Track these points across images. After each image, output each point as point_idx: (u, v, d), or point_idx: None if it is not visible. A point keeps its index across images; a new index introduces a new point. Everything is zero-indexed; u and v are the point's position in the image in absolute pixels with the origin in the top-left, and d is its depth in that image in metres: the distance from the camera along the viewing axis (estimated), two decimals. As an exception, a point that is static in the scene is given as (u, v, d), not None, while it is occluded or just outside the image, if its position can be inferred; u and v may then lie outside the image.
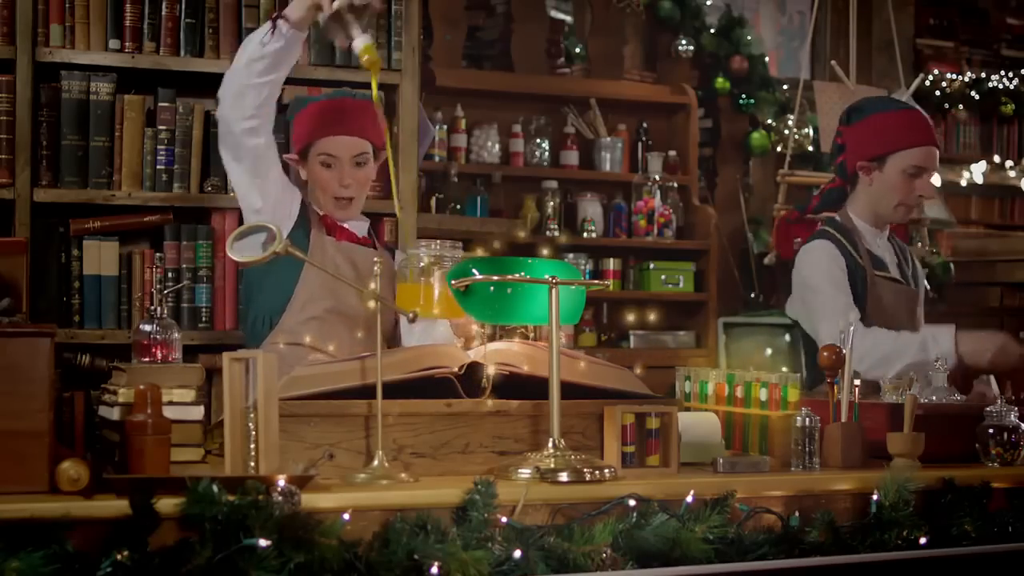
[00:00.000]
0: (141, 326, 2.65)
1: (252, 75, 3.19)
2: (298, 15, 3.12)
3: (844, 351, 2.87)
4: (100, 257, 3.72)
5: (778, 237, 4.13)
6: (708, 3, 7.02)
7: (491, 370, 2.57)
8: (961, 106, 7.90)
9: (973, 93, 7.94)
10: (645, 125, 6.79)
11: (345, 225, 3.48)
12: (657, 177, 6.60)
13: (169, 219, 3.77)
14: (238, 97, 3.23)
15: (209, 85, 3.86)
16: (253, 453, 2.30)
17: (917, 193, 3.71)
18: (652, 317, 6.47)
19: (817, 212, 3.98)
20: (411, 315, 2.84)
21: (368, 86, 3.89)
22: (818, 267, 3.66)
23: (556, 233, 6.36)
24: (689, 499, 2.42)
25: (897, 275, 3.77)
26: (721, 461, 2.65)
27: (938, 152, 3.76)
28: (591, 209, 6.54)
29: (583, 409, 2.65)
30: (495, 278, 2.61)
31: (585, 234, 6.48)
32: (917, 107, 3.96)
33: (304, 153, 3.44)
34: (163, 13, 3.75)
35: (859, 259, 3.68)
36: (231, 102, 3.23)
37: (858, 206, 3.76)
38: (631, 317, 6.30)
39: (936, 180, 3.81)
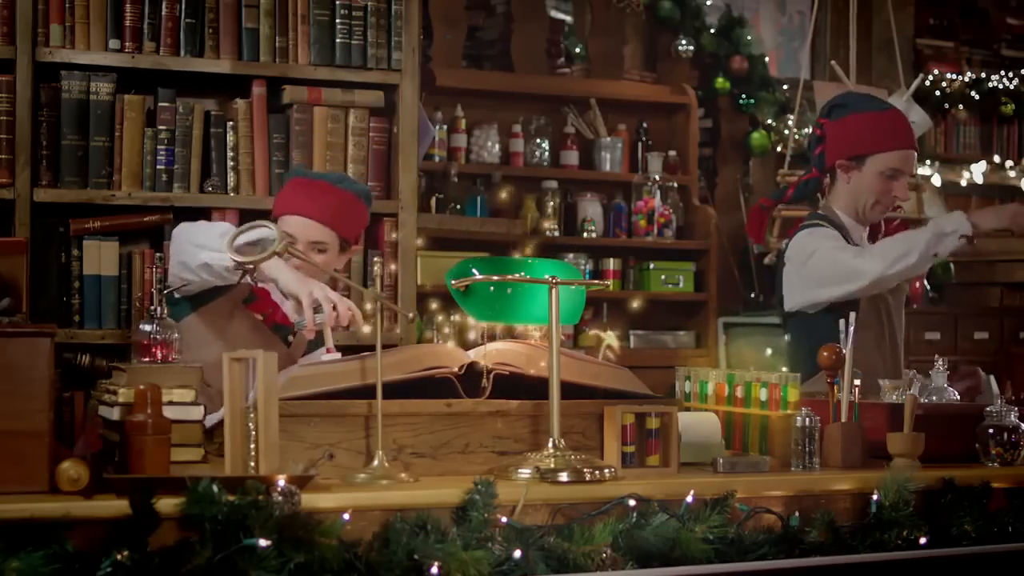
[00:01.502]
0: (141, 326, 2.65)
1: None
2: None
3: (844, 351, 2.87)
4: (100, 257, 3.71)
5: (752, 223, 4.15)
6: (708, 3, 7.02)
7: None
8: (961, 106, 7.89)
9: (973, 93, 7.93)
10: (645, 125, 6.80)
11: None
12: (657, 177, 6.60)
13: (169, 219, 3.77)
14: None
15: (209, 85, 3.87)
16: (253, 453, 2.30)
17: (893, 195, 3.73)
18: (650, 316, 6.48)
19: (793, 201, 4.00)
20: (411, 315, 2.85)
21: (374, 86, 3.90)
22: (819, 239, 3.66)
23: (556, 233, 6.36)
24: (689, 499, 2.42)
25: None
26: (721, 461, 2.65)
27: (916, 155, 3.80)
28: (591, 209, 6.54)
29: (583, 409, 2.65)
30: (495, 278, 2.61)
31: (585, 234, 6.49)
32: (897, 107, 3.96)
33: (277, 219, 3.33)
34: (163, 13, 3.75)
35: None
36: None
37: (840, 202, 3.77)
38: (631, 317, 6.30)
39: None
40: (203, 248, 3.02)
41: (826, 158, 3.79)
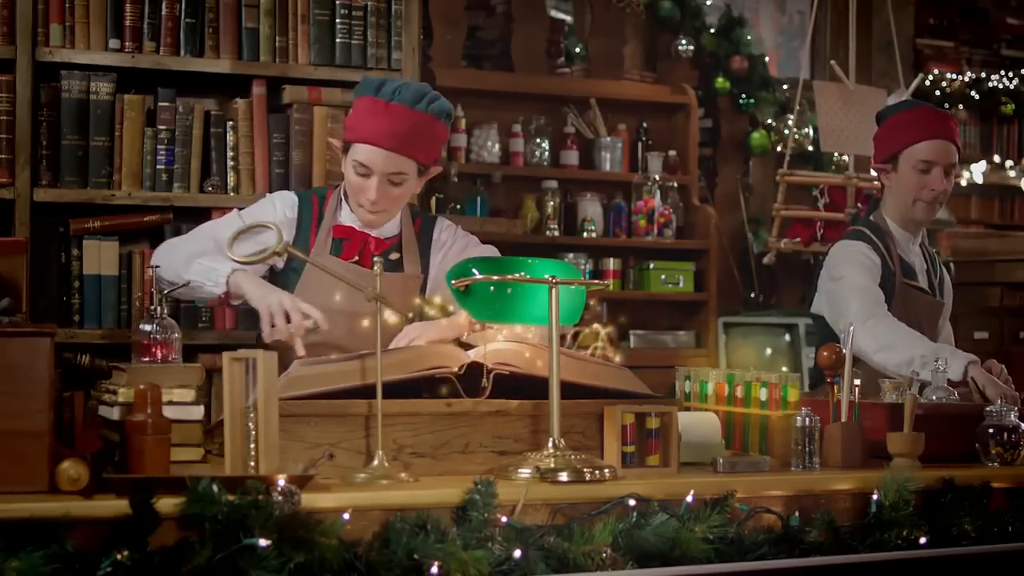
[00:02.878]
0: (141, 326, 2.65)
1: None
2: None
3: (844, 351, 2.87)
4: (100, 257, 3.72)
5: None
6: (708, 3, 7.02)
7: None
8: (961, 106, 7.89)
9: (973, 93, 7.93)
10: (645, 125, 6.79)
11: (367, 232, 3.21)
12: (657, 177, 6.60)
13: (169, 219, 3.77)
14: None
15: (209, 85, 3.87)
16: (253, 453, 2.30)
17: (929, 188, 3.65)
18: (650, 316, 6.48)
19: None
20: (411, 316, 2.85)
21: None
22: (848, 259, 3.62)
23: (556, 233, 6.36)
24: (689, 499, 2.42)
25: (924, 284, 3.73)
26: (721, 461, 2.65)
27: (952, 145, 3.68)
28: (591, 209, 6.54)
29: (583, 409, 2.65)
30: (495, 278, 2.61)
31: (585, 234, 6.48)
32: (930, 105, 3.93)
33: (346, 147, 3.15)
34: (163, 13, 3.75)
35: (891, 263, 3.65)
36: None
37: (888, 209, 3.75)
38: (631, 317, 6.30)
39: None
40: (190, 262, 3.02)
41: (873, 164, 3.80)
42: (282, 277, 3.18)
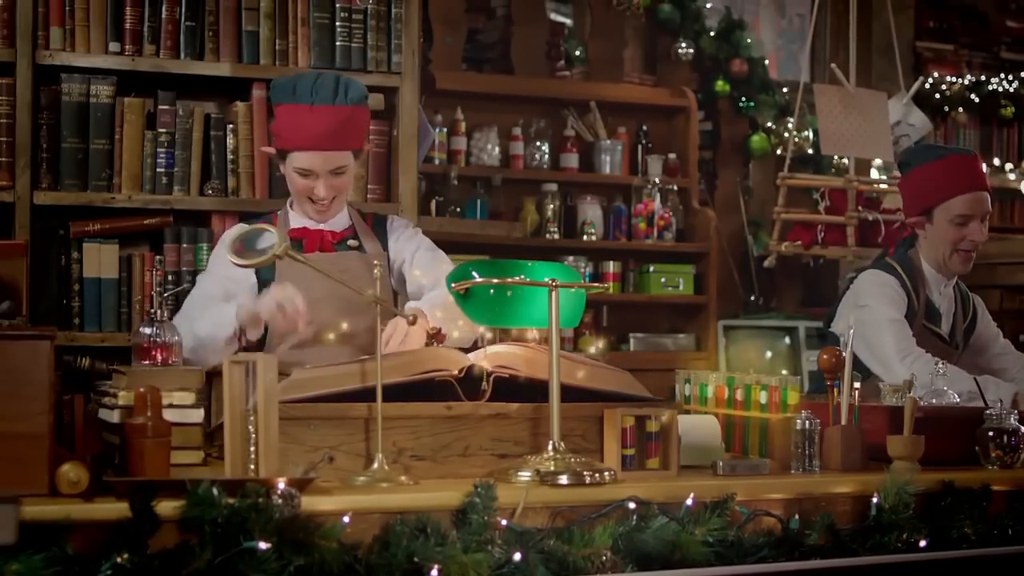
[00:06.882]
0: (141, 329, 2.65)
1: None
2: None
3: (844, 354, 2.87)
4: (100, 260, 3.71)
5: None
6: (708, 6, 7.03)
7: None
8: (961, 109, 7.89)
9: (973, 96, 7.94)
10: (645, 128, 6.80)
11: (320, 228, 3.35)
12: (657, 180, 6.61)
13: (169, 222, 3.77)
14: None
15: (209, 88, 3.87)
16: (253, 456, 2.30)
17: (968, 239, 3.67)
18: (650, 319, 6.48)
19: (895, 260, 3.81)
20: (411, 317, 2.85)
21: (373, 89, 3.88)
22: (878, 292, 3.64)
23: (556, 236, 6.37)
24: (689, 502, 2.42)
25: (944, 331, 3.75)
26: (721, 464, 2.65)
27: (986, 194, 3.69)
28: (591, 212, 6.54)
29: (583, 412, 2.65)
30: (495, 281, 2.61)
31: (585, 237, 6.49)
32: (962, 149, 3.90)
33: (282, 154, 3.32)
34: (163, 16, 3.75)
35: (915, 303, 3.65)
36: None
37: (925, 252, 3.75)
38: (631, 320, 6.30)
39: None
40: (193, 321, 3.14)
41: (906, 217, 3.78)
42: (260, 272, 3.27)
